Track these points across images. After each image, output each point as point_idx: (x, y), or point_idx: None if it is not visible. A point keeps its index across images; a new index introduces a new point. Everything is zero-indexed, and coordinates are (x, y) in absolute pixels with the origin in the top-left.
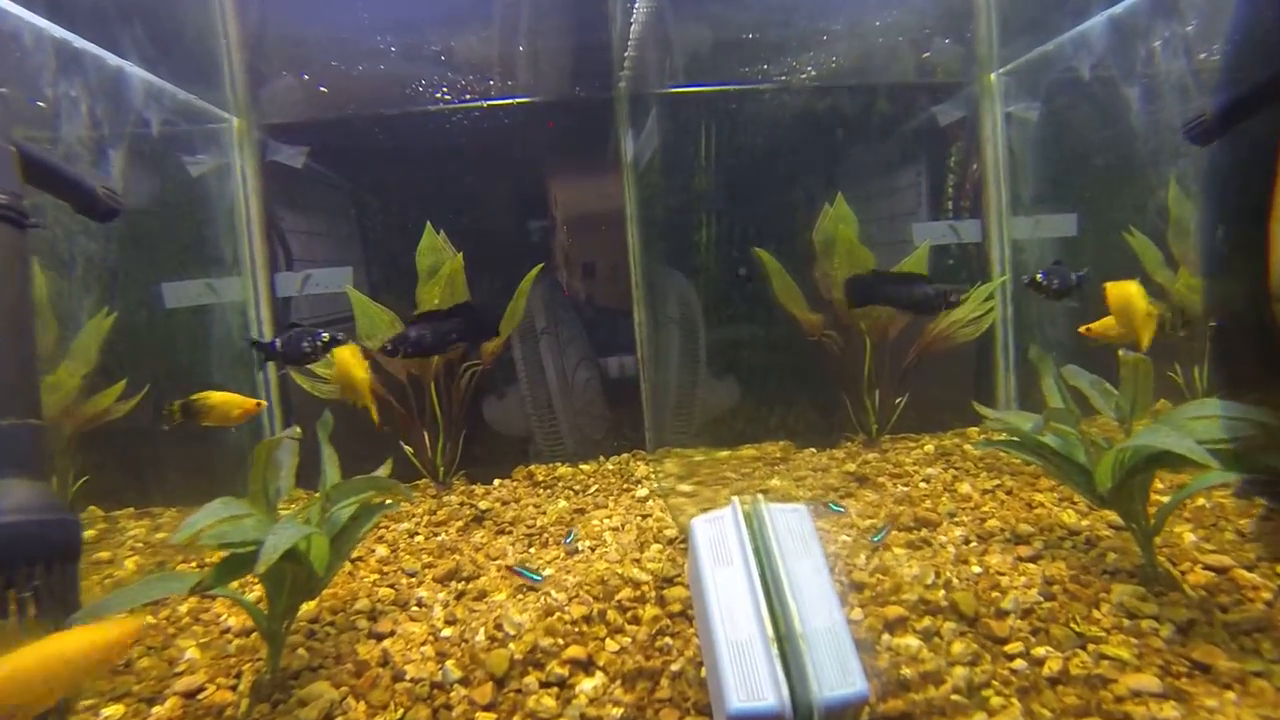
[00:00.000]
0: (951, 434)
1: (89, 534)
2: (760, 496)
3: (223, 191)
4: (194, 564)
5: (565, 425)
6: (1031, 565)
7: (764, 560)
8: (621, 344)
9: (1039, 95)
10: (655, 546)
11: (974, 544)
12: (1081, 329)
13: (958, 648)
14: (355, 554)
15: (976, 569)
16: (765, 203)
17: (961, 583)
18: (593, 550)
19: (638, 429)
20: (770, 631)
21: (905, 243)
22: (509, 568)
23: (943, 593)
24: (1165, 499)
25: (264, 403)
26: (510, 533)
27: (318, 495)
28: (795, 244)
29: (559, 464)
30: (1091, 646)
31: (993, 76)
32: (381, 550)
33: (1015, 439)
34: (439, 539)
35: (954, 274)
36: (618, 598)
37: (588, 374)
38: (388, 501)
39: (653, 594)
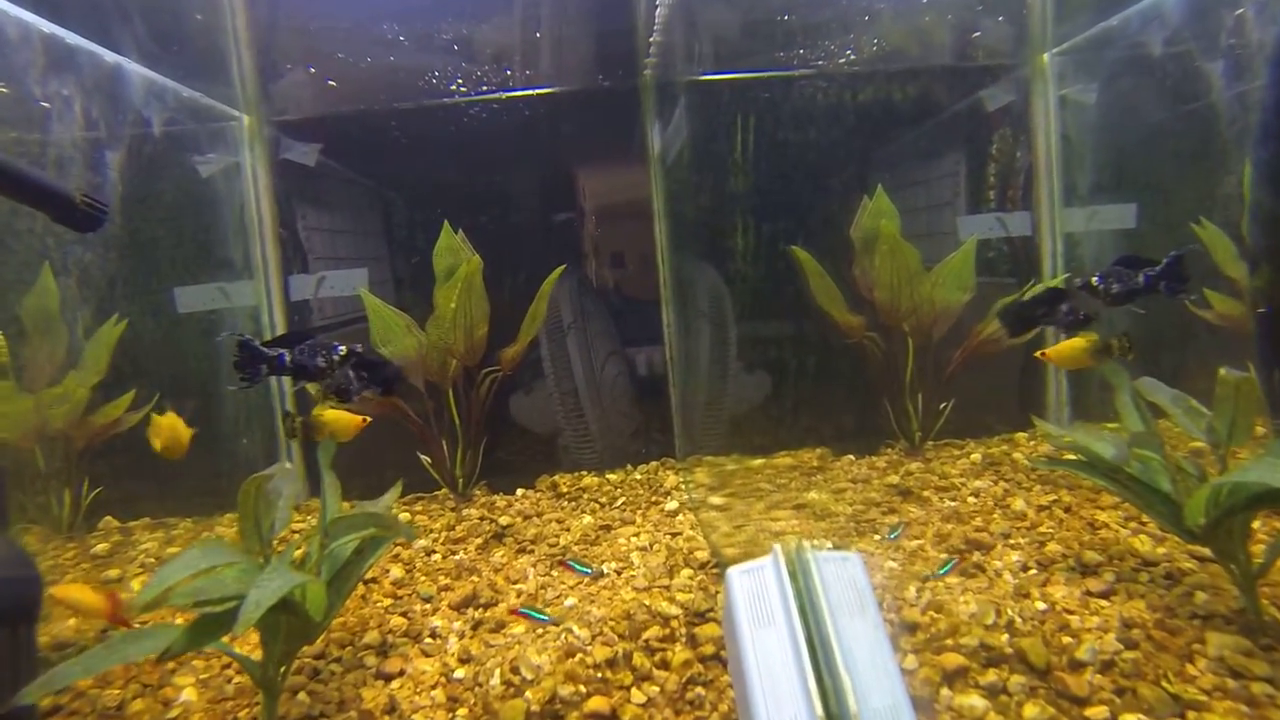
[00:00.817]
0: (998, 440)
1: (102, 547)
2: (806, 543)
3: (232, 192)
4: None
5: (594, 422)
6: (1104, 602)
7: (811, 622)
8: (650, 337)
9: (1099, 76)
10: (686, 572)
11: (1034, 572)
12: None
13: (1031, 711)
14: (369, 574)
15: (1040, 604)
16: (799, 197)
17: (1026, 623)
18: (619, 574)
19: (667, 431)
20: (820, 711)
21: (943, 236)
22: (515, 611)
23: (1006, 636)
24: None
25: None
26: (532, 552)
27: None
28: (832, 240)
29: (584, 473)
30: (1193, 715)
31: (1046, 57)
32: (396, 571)
33: (1083, 460)
34: (457, 558)
35: (997, 269)
36: (645, 636)
37: (616, 369)
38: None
39: (683, 632)
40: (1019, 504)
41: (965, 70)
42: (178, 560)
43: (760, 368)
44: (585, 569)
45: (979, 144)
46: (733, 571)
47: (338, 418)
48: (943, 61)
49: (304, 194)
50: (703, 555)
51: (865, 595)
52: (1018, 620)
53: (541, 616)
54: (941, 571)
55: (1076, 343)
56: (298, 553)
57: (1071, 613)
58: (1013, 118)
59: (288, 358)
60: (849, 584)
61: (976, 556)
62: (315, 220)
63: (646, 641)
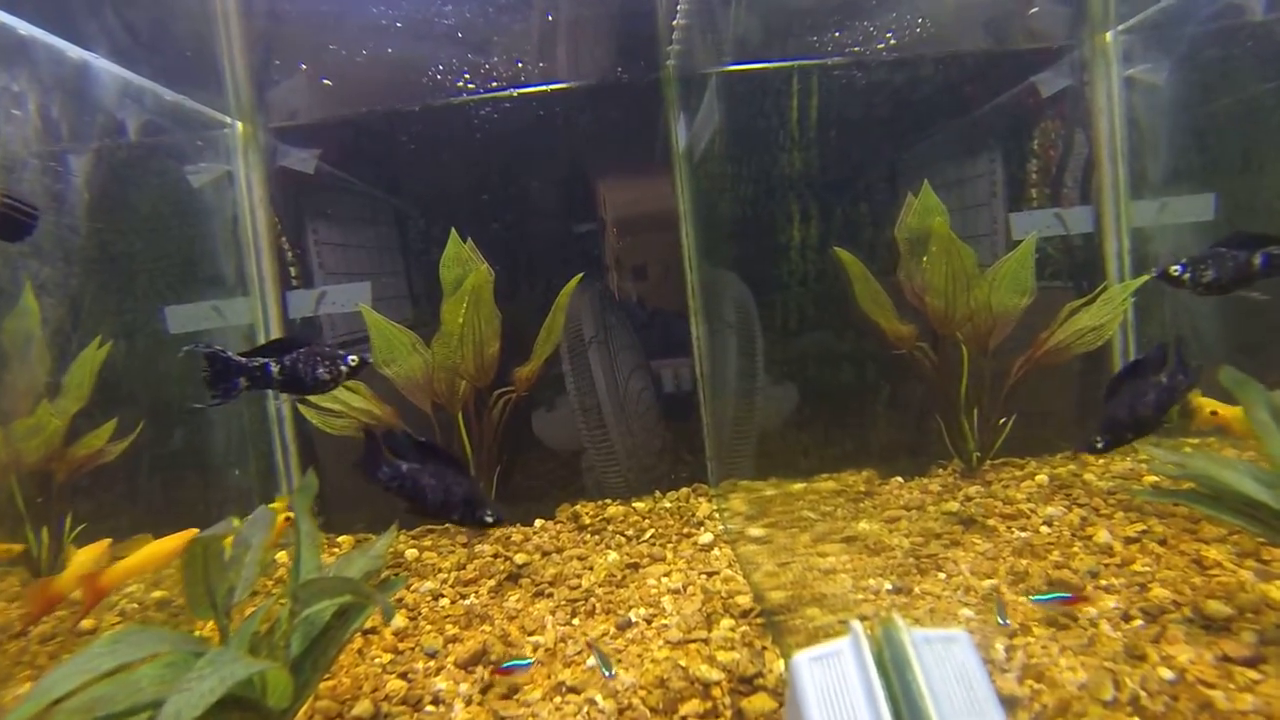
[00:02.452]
0: (1061, 458)
1: (80, 594)
2: (897, 619)
3: (223, 203)
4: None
5: (618, 440)
6: (1253, 673)
7: None
8: (677, 350)
9: (1173, 53)
10: (726, 622)
11: (1140, 623)
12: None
13: None
14: (370, 624)
15: (1166, 672)
16: (835, 194)
17: (1154, 699)
18: (649, 623)
19: (697, 453)
20: None
21: (988, 235)
22: (495, 670)
23: None
24: None
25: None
26: (550, 595)
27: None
28: (872, 241)
29: (609, 502)
30: None
31: (1109, 36)
32: (400, 619)
33: (1203, 491)
34: (467, 603)
35: (1046, 271)
36: (683, 712)
37: (641, 384)
38: (394, 577)
39: (727, 705)
40: (1102, 535)
41: (1015, 53)
42: (72, 661)
43: (794, 382)
44: (523, 662)
45: (1033, 133)
46: (800, 660)
47: None
48: (995, 45)
49: (309, 205)
50: (744, 601)
51: (980, 691)
52: (1142, 695)
53: (523, 663)
54: (1038, 598)
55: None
56: (262, 625)
57: (1211, 686)
58: (1070, 103)
59: (275, 369)
60: (957, 675)
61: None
62: (326, 234)
63: (684, 718)
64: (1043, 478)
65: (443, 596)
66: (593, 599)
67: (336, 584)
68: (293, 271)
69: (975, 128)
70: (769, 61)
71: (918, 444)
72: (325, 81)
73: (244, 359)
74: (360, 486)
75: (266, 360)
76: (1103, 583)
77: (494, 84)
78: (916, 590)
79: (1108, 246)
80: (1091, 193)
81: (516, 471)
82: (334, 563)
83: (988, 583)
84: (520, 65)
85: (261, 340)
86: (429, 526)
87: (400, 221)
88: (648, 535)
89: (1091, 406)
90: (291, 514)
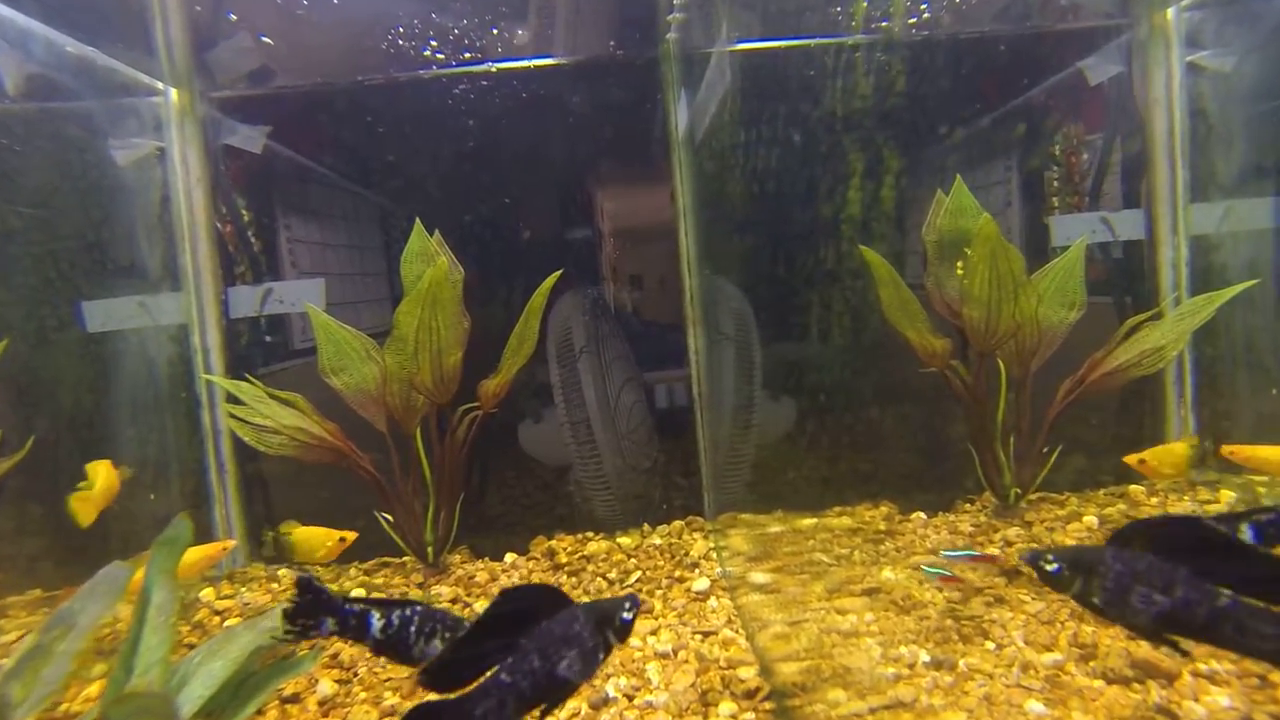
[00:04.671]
0: (1104, 494)
1: None
2: None
3: (148, 181)
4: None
5: (608, 456)
6: None
7: None
8: (671, 361)
9: (1251, 34)
10: (726, 707)
11: None
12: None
13: None
14: (290, 689)
15: None
16: (849, 193)
17: None
18: (630, 700)
19: (691, 476)
20: None
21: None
22: None
23: None
24: None
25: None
26: None
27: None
28: (900, 243)
29: (589, 535)
30: None
31: (1169, 13)
32: (327, 683)
33: None
34: None
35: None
36: None
37: (634, 397)
38: (302, 652)
39: None
40: None
41: (1058, 35)
42: None
43: (798, 399)
44: None
45: (1074, 127)
46: None
47: (309, 537)
48: (1035, 25)
49: (268, 190)
50: (749, 674)
51: None
52: None
53: None
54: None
55: (1175, 448)
56: None
57: None
58: (1120, 92)
59: (377, 622)
60: None
61: (1158, 692)
62: (300, 229)
63: None
64: (1090, 518)
65: None
66: None
67: (158, 707)
68: (240, 266)
69: (1008, 119)
70: (780, 39)
71: (941, 475)
72: (265, 40)
73: (342, 600)
74: (317, 510)
75: (369, 610)
76: (1202, 666)
77: (466, 54)
78: (962, 665)
79: (1161, 255)
80: (1143, 195)
81: (487, 497)
82: (206, 644)
83: (1049, 657)
84: (495, 33)
85: (196, 342)
86: (386, 558)
87: (384, 216)
88: (633, 579)
89: (1132, 433)
90: (230, 543)
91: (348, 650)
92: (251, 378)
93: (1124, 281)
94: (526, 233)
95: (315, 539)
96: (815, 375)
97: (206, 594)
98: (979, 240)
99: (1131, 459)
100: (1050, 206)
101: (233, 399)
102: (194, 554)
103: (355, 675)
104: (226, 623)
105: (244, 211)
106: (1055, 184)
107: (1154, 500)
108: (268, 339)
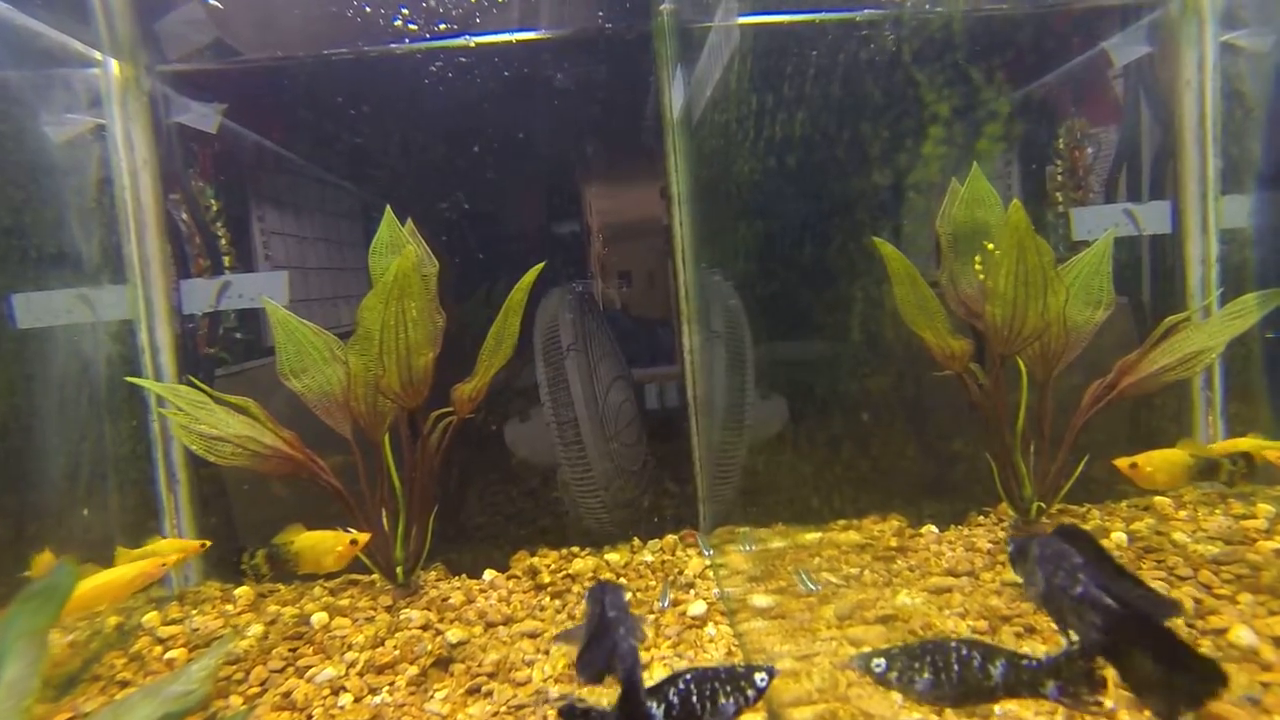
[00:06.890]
0: (1126, 506)
1: None
2: None
3: (79, 160)
4: None
5: (596, 456)
6: None
7: None
8: (661, 358)
9: None
10: None
11: None
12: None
13: None
14: None
15: None
16: (858, 181)
17: None
18: None
19: (683, 483)
20: None
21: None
22: None
23: None
24: None
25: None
26: (489, 694)
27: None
28: (913, 235)
29: (575, 551)
30: None
31: None
32: None
33: None
34: (376, 700)
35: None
36: None
37: (622, 396)
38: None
39: None
40: (1238, 630)
41: (1079, 13)
42: None
43: (800, 401)
44: None
45: (1096, 114)
46: None
47: (318, 542)
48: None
49: (224, 175)
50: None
51: None
52: None
53: None
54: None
55: (1174, 455)
56: None
57: None
58: (1146, 75)
59: (658, 711)
60: None
61: None
62: (273, 221)
63: None
64: (1119, 535)
65: (345, 690)
66: (544, 705)
67: None
68: (202, 258)
69: (1028, 102)
70: (784, 13)
71: (951, 484)
72: (213, 1)
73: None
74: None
75: (645, 703)
76: (1274, 717)
77: (441, 25)
78: (997, 710)
79: (1189, 250)
80: (1169, 185)
81: (466, 506)
82: (105, 708)
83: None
84: (472, 1)
85: (144, 340)
86: (355, 576)
87: (365, 207)
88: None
89: (1147, 442)
90: (183, 550)
91: (304, 687)
92: (196, 380)
93: (1145, 279)
94: (508, 223)
95: (323, 545)
96: (831, 376)
97: (150, 619)
98: (1007, 231)
99: (1122, 463)
100: (1054, 200)
101: (166, 404)
102: (126, 571)
103: (310, 718)
104: (168, 654)
105: (213, 201)
106: (1059, 178)
107: (1182, 514)
108: (237, 335)
